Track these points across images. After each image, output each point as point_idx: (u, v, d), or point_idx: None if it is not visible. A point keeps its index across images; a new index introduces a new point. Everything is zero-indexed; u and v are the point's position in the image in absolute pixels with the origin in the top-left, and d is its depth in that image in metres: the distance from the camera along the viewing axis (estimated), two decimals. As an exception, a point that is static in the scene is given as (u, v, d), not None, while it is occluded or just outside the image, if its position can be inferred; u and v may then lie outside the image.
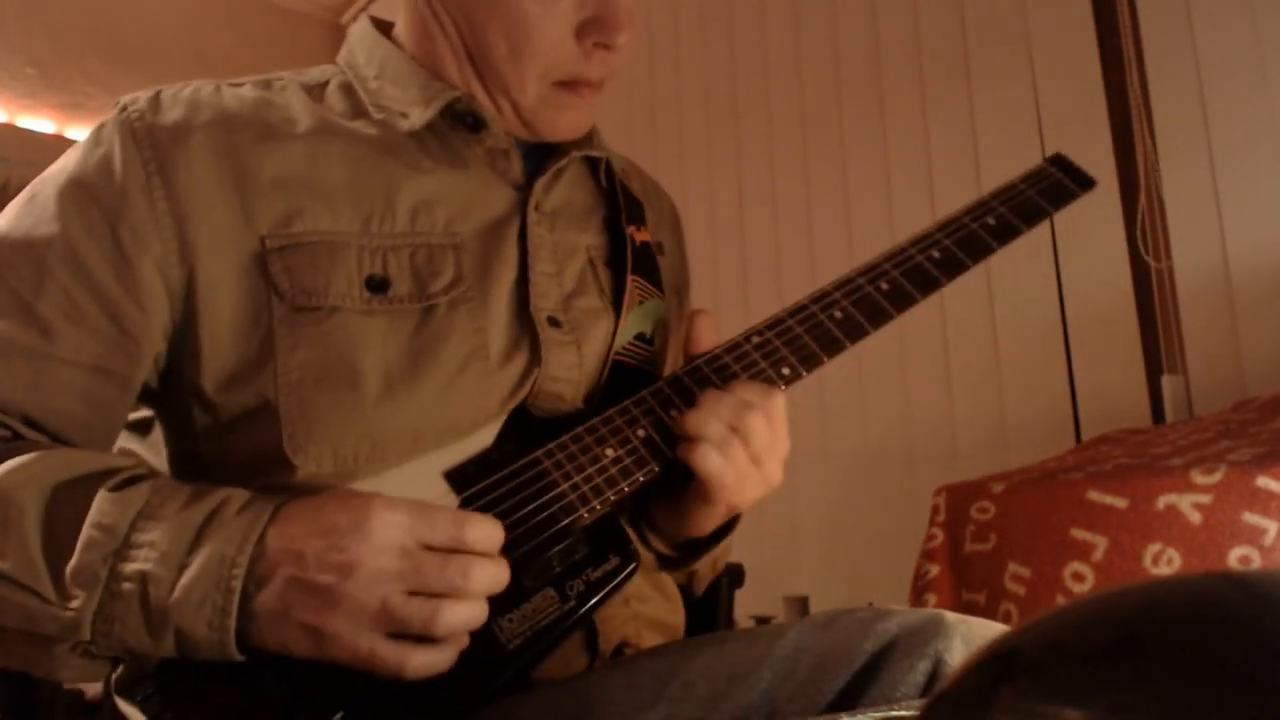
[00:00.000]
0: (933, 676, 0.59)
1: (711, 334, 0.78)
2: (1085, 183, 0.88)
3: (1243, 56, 1.74)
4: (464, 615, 0.59)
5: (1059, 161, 0.90)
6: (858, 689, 0.59)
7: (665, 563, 0.84)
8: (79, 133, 3.23)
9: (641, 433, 0.73)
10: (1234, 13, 1.75)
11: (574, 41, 0.76)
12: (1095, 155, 1.89)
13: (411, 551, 0.60)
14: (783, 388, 0.76)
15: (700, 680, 0.61)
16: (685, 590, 0.90)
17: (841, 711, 0.57)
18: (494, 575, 0.61)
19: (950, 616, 0.62)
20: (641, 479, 0.72)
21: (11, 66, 3.15)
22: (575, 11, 0.75)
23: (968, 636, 0.60)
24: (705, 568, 0.87)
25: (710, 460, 0.71)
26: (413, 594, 0.59)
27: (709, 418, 0.72)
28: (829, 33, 2.45)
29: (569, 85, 0.78)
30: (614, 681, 0.65)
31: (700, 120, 2.74)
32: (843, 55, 2.42)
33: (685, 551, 0.83)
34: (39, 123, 3.19)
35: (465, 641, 0.61)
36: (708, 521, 0.79)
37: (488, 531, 0.63)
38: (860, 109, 2.37)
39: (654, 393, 0.75)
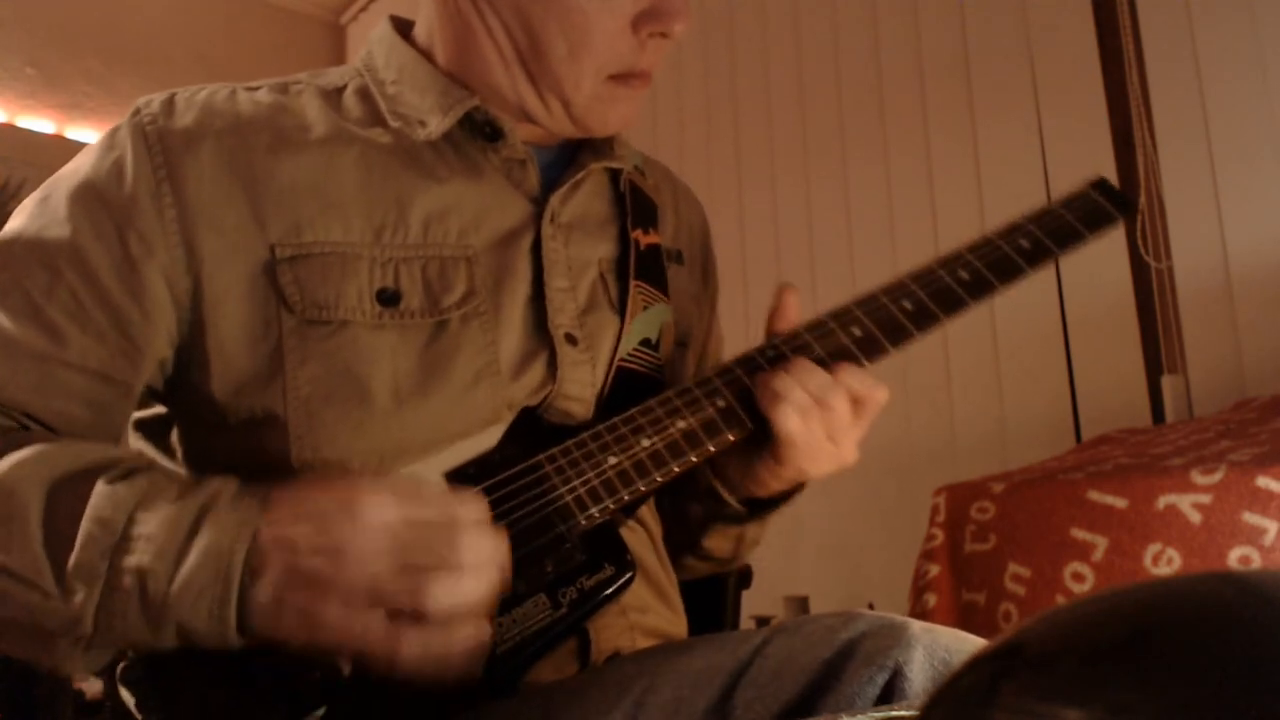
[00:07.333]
0: (890, 688, 0.57)
1: (793, 311, 0.79)
2: (1124, 206, 0.84)
3: (1243, 56, 1.73)
4: (453, 587, 0.57)
5: (1100, 185, 0.85)
6: (815, 696, 0.58)
7: (724, 518, 0.85)
8: (79, 133, 3.23)
9: (646, 442, 0.73)
10: (1234, 13, 1.75)
11: (630, 33, 0.75)
12: (1095, 155, 1.89)
13: (398, 529, 0.58)
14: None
15: (666, 685, 0.61)
16: (726, 563, 0.91)
17: (813, 718, 0.56)
18: (482, 544, 0.59)
19: (916, 626, 0.59)
20: (643, 488, 0.71)
21: (11, 66, 3.15)
22: (632, 3, 0.75)
23: (931, 648, 0.58)
24: (754, 533, 0.89)
25: (790, 420, 0.72)
26: (403, 570, 0.57)
27: (794, 384, 0.73)
28: (829, 34, 2.45)
29: (622, 78, 0.78)
30: (583, 685, 0.64)
31: (700, 137, 2.73)
32: (842, 56, 2.42)
33: (748, 507, 0.84)
34: (39, 123, 3.19)
35: (468, 628, 0.58)
36: (774, 480, 0.79)
37: (476, 504, 0.61)
38: (860, 111, 2.37)
39: (661, 402, 0.75)
